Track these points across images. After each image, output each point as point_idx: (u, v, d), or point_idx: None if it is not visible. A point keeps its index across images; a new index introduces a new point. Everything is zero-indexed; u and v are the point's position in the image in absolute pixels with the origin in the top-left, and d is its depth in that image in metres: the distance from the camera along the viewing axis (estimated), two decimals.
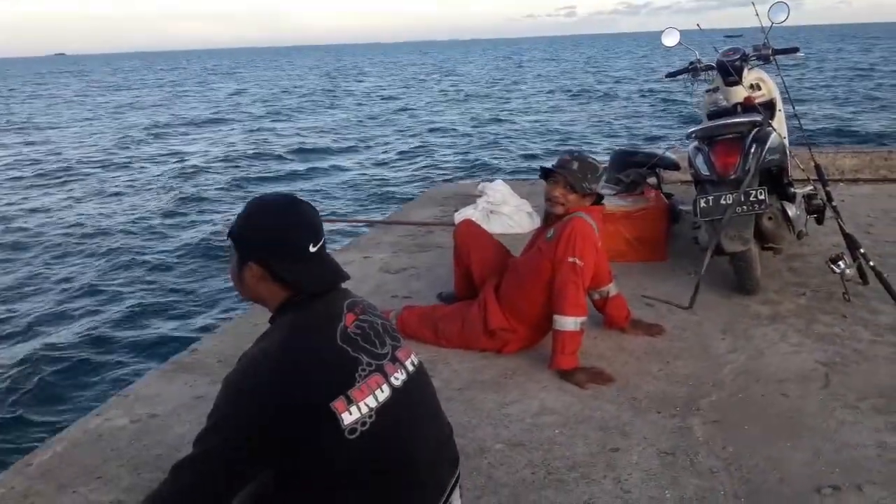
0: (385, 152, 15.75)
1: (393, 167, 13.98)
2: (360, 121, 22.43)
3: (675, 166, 4.89)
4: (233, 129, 20.86)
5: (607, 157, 4.98)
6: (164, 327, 5.60)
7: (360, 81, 44.29)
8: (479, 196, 5.36)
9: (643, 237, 4.08)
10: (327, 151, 16.06)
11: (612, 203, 3.99)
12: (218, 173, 13.55)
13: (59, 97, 38.59)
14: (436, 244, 4.79)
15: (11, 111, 30.62)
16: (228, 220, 9.29)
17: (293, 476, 1.45)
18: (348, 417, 1.42)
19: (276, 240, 1.54)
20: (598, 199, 2.97)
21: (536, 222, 4.91)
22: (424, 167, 13.69)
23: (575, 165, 2.88)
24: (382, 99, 30.54)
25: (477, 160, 14.11)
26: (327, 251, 1.63)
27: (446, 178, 11.67)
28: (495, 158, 14.27)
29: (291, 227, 1.55)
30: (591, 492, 2.09)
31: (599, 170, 2.92)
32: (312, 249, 1.56)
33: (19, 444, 3.61)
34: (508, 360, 2.96)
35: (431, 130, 19.12)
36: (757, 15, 3.96)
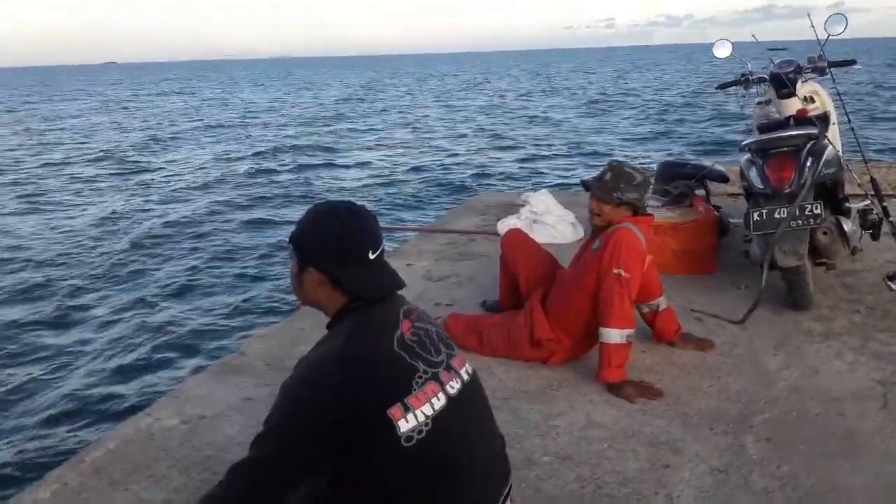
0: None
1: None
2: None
3: (723, 178, 4.82)
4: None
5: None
6: (213, 329, 5.68)
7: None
8: (522, 205, 5.34)
9: (692, 250, 4.01)
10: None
11: (660, 215, 3.94)
12: (286, 175, 13.72)
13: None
14: (478, 252, 4.78)
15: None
16: (284, 225, 9.46)
17: (348, 482, 1.45)
18: (405, 425, 1.42)
19: (337, 246, 1.55)
20: (636, 208, 2.90)
21: (580, 233, 4.88)
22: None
23: (608, 175, 2.85)
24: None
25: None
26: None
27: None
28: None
29: (352, 234, 1.56)
30: None
31: (636, 179, 2.85)
32: (372, 256, 1.56)
33: (73, 440, 3.69)
34: (554, 372, 2.93)
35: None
36: (812, 27, 3.88)
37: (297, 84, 60.36)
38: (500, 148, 17.49)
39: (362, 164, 15.77)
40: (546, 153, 16.41)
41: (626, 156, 15.06)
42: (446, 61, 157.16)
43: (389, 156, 16.82)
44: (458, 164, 15.13)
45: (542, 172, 13.76)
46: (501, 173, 13.84)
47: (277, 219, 10.11)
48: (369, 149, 18.22)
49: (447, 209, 8.30)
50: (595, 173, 3.01)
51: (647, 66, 69.71)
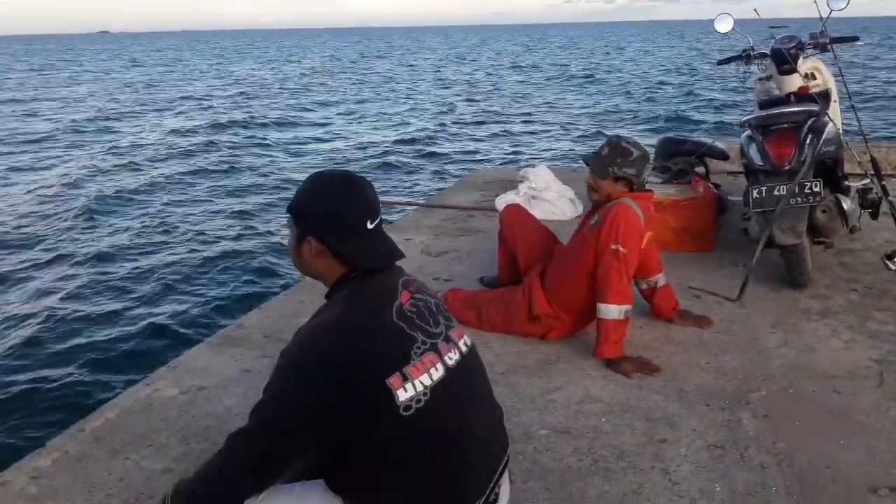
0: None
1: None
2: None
3: (723, 156, 4.80)
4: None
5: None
6: (211, 300, 5.69)
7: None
8: (521, 181, 5.32)
9: (690, 227, 4.01)
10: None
11: (660, 191, 3.92)
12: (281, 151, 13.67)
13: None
14: (477, 228, 4.78)
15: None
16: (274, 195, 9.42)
17: (346, 450, 1.46)
18: (403, 394, 1.42)
19: (335, 215, 1.54)
20: (632, 184, 2.86)
21: (579, 209, 4.88)
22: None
23: (605, 150, 2.84)
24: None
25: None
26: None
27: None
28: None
29: (350, 203, 1.55)
30: (638, 481, 2.07)
31: (633, 154, 2.81)
32: (370, 226, 1.56)
33: (72, 409, 3.70)
34: (551, 347, 2.94)
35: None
36: (815, 2, 3.84)
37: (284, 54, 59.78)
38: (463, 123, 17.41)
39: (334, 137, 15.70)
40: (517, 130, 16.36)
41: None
42: (438, 34, 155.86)
43: (372, 129, 16.72)
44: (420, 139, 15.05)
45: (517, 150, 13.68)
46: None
47: (281, 190, 10.08)
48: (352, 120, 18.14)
49: (434, 185, 8.28)
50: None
51: (633, 42, 69.20)
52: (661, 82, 26.25)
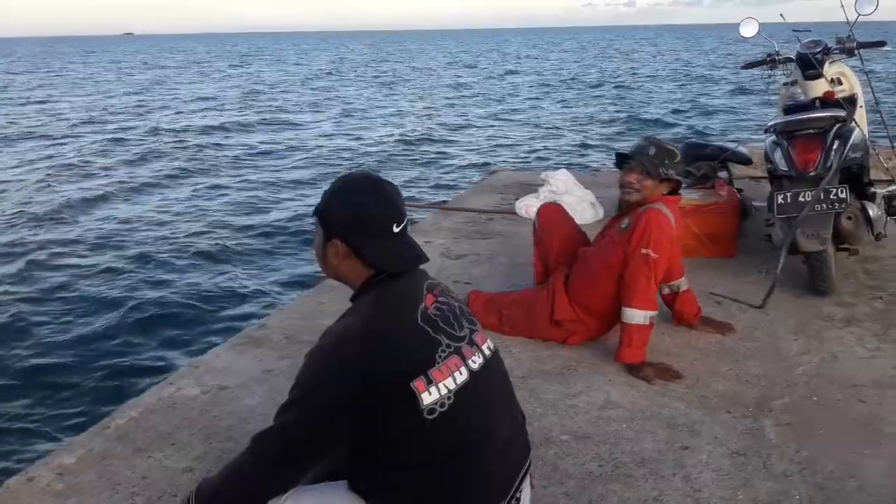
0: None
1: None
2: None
3: (747, 161, 4.76)
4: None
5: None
6: (233, 301, 5.73)
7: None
8: (541, 185, 5.31)
9: (714, 233, 3.98)
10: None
11: (683, 196, 3.89)
12: (316, 151, 13.78)
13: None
14: (496, 232, 4.78)
15: None
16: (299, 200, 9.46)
17: (369, 454, 1.46)
18: (428, 398, 1.42)
19: (362, 218, 1.54)
20: (677, 186, 2.89)
21: (600, 213, 4.86)
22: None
23: (652, 151, 2.81)
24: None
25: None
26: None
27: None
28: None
29: (377, 206, 1.55)
30: (660, 488, 2.06)
31: (677, 156, 2.83)
32: (396, 229, 1.56)
33: (96, 407, 3.75)
34: (572, 351, 2.94)
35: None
36: (843, 7, 3.80)
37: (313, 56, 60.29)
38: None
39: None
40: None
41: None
42: (452, 38, 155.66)
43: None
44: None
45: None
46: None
47: (306, 193, 10.14)
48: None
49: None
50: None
51: (646, 46, 68.84)
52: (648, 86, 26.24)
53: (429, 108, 21.32)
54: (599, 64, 42.29)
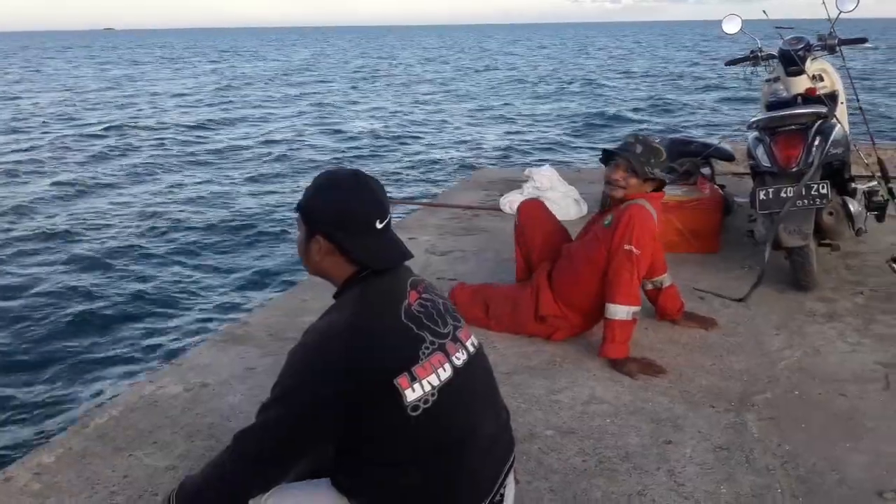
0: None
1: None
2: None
3: (729, 157, 4.79)
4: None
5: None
6: (215, 298, 5.69)
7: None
8: (525, 181, 5.31)
9: (696, 229, 4.00)
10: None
11: (666, 192, 3.91)
12: (291, 147, 13.70)
13: None
14: (481, 228, 4.78)
15: None
16: (279, 195, 9.41)
17: (352, 451, 1.46)
18: (411, 394, 1.42)
19: (345, 214, 1.53)
20: (661, 185, 2.90)
21: (584, 209, 4.87)
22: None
23: (639, 149, 2.82)
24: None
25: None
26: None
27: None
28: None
29: (360, 202, 1.54)
30: (643, 483, 2.06)
31: (663, 155, 2.84)
32: (379, 226, 1.55)
33: (75, 405, 3.71)
34: (557, 347, 2.94)
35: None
36: (824, 4, 3.82)
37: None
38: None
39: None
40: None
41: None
42: (438, 33, 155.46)
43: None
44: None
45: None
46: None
47: (286, 189, 10.08)
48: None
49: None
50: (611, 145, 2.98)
51: (616, 43, 69.12)
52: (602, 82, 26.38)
53: (406, 103, 21.27)
54: (575, 60, 42.42)
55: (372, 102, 21.97)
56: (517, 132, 15.51)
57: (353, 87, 27.23)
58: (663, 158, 2.83)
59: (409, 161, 12.46)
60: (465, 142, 14.42)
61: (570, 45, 69.65)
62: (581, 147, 13.71)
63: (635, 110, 18.61)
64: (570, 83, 26.89)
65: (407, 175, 11.20)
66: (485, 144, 14.10)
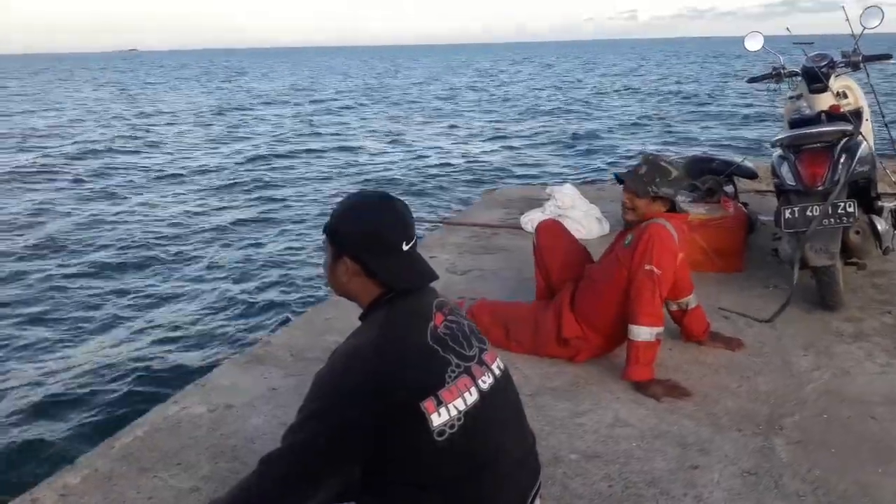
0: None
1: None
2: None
3: (752, 175, 4.76)
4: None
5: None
6: (238, 318, 5.71)
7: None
8: (546, 199, 5.30)
9: (720, 247, 3.96)
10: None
11: (689, 210, 3.89)
12: (297, 165, 13.78)
13: None
14: (501, 247, 4.77)
15: None
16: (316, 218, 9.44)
17: (379, 476, 1.45)
18: (437, 419, 1.41)
19: (372, 236, 1.54)
20: (672, 204, 2.88)
21: (606, 228, 4.85)
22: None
23: (643, 169, 2.81)
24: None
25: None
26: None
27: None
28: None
29: (387, 224, 1.55)
30: None
31: (672, 174, 2.81)
32: (405, 248, 1.56)
33: (101, 426, 3.73)
34: (580, 369, 2.91)
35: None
36: (847, 20, 3.80)
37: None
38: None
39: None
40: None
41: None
42: (454, 53, 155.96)
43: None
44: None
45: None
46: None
47: (311, 206, 10.15)
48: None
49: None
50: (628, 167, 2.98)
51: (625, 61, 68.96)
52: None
53: (412, 124, 21.23)
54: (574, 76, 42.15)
55: (382, 123, 21.84)
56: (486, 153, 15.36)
57: (374, 109, 27.22)
58: (672, 177, 2.80)
59: (428, 177, 12.47)
60: (479, 160, 14.42)
61: (572, 61, 69.57)
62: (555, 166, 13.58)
63: (609, 130, 18.27)
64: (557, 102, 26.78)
65: (427, 192, 11.22)
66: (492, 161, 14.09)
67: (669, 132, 17.39)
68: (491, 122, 20.71)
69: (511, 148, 15.73)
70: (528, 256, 3.45)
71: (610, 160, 13.81)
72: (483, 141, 16.95)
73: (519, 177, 12.21)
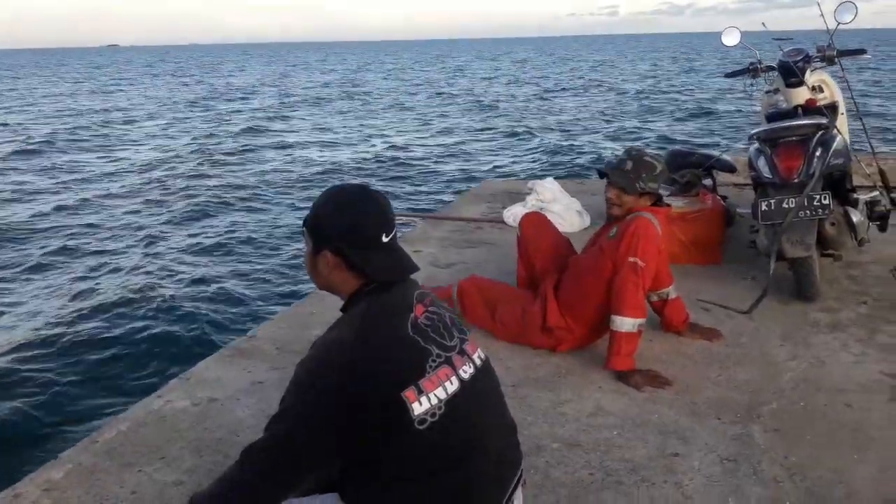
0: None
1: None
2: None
3: (731, 168, 4.81)
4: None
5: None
6: (222, 312, 5.69)
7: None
8: (528, 193, 5.33)
9: (698, 240, 4.01)
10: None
11: (671, 203, 3.93)
12: (284, 166, 13.77)
13: None
14: (484, 240, 4.79)
15: None
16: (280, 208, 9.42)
17: (361, 465, 1.46)
18: (418, 408, 1.43)
19: (352, 228, 1.55)
20: (658, 199, 2.93)
21: (587, 221, 4.88)
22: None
23: (629, 165, 2.84)
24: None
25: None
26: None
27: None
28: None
29: (366, 216, 1.56)
30: (651, 496, 2.07)
31: (657, 168, 2.86)
32: (385, 239, 1.57)
33: (84, 421, 3.72)
34: (562, 359, 2.94)
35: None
36: (822, 16, 3.85)
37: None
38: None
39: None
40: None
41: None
42: (436, 47, 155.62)
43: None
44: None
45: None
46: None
47: (291, 204, 10.10)
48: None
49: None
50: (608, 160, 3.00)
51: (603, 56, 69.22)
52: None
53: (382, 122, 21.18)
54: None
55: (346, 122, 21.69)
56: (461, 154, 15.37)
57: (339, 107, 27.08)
58: (657, 172, 2.84)
59: (412, 173, 12.48)
60: (467, 154, 14.45)
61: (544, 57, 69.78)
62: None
63: (560, 129, 18.26)
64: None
65: (409, 187, 11.22)
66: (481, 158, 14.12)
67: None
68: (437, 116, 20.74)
69: (450, 143, 15.82)
70: (511, 250, 3.47)
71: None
72: (425, 136, 16.99)
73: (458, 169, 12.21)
